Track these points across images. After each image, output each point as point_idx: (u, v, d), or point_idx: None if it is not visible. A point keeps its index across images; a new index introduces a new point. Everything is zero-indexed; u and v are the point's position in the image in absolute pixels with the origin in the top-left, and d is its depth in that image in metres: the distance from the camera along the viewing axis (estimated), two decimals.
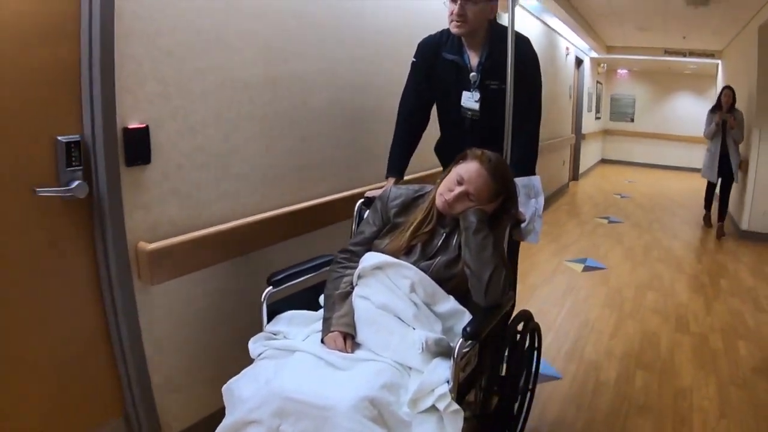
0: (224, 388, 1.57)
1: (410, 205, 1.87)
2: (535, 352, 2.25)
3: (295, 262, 1.95)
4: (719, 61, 9.86)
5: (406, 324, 1.61)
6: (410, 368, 1.54)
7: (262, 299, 1.80)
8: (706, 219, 6.78)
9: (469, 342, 1.47)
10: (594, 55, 10.54)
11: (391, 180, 2.41)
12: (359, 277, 1.76)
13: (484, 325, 1.56)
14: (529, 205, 2.10)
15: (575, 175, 10.27)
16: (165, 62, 1.84)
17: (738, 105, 6.10)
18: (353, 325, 1.65)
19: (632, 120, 13.26)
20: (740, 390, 2.77)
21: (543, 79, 2.39)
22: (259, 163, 2.29)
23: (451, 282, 1.73)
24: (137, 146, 1.80)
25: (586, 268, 4.87)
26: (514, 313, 2.03)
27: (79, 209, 1.74)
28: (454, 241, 1.78)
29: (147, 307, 1.91)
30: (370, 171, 2.94)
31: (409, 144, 2.48)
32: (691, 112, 12.22)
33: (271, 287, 1.81)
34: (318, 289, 1.91)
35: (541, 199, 2.14)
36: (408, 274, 1.68)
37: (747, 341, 3.37)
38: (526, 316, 2.08)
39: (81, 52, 1.66)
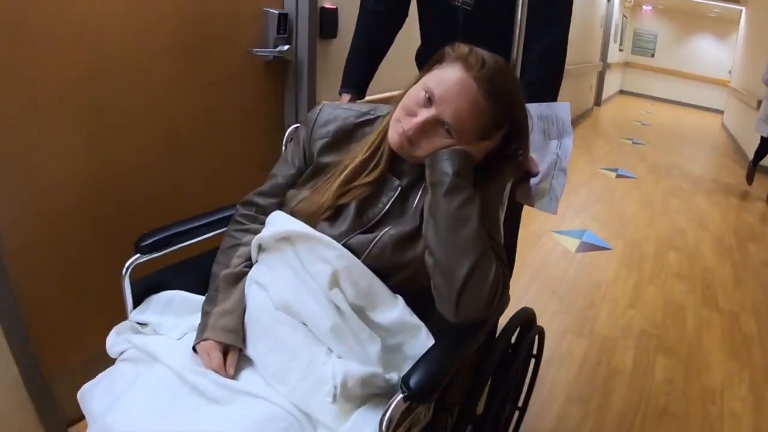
0: (79, 394, 1.07)
1: (348, 137, 1.16)
2: (534, 360, 1.58)
3: None
4: (743, 8, 10.03)
5: (318, 341, 0.99)
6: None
7: (124, 272, 1.14)
8: (750, 175, 5.41)
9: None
10: None
11: (346, 98, 1.74)
12: (260, 249, 1.13)
13: (444, 370, 0.89)
14: (548, 150, 1.35)
15: (598, 101, 10.58)
16: None
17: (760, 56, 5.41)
18: (240, 332, 1.03)
19: (653, 55, 13.76)
20: None
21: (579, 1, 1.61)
22: None
23: (404, 272, 1.05)
24: (329, 23, 2.23)
25: (618, 176, 5.56)
26: (507, 311, 1.20)
27: (281, 70, 2.17)
28: (415, 202, 1.09)
29: None
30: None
31: (375, 48, 1.78)
32: (711, 54, 12.81)
33: (138, 255, 1.16)
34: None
35: (569, 142, 1.34)
36: (328, 256, 1.01)
37: None
38: (527, 319, 1.40)
39: None
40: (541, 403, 1.98)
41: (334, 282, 1.00)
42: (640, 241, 3.75)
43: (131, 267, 1.15)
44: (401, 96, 1.07)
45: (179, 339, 1.09)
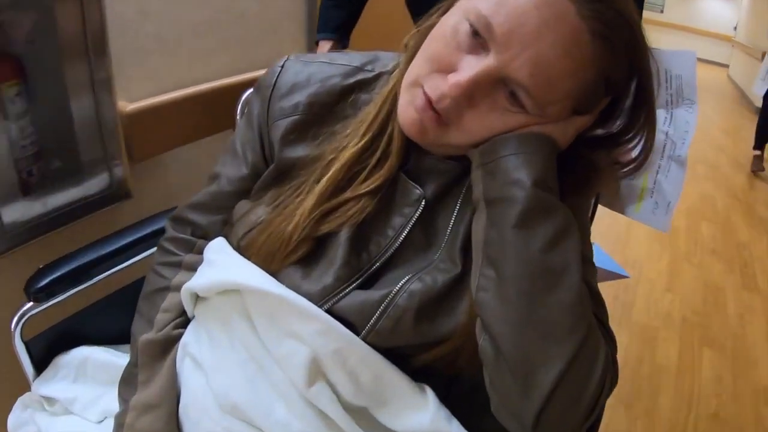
0: None
1: (330, 112, 0.68)
2: None
3: None
4: None
5: None
6: None
7: (12, 327, 0.79)
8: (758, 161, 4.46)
9: None
10: None
11: (325, 46, 1.33)
12: (197, 298, 0.72)
13: None
14: (674, 126, 0.87)
15: None
16: None
17: None
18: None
19: (662, 11, 13.82)
20: None
21: None
22: None
23: (437, 350, 0.62)
24: None
25: None
26: None
27: None
28: (449, 225, 0.65)
29: None
30: None
31: None
32: (716, 11, 13.06)
33: (30, 303, 0.80)
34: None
35: (690, 114, 0.87)
36: (302, 331, 0.60)
37: None
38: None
39: None
40: None
41: (316, 374, 0.60)
42: (656, 329, 3.50)
43: (23, 321, 0.79)
44: (417, 41, 0.61)
45: (99, 422, 0.76)
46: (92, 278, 0.86)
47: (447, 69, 0.56)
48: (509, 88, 0.55)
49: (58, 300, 0.82)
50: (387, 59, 0.71)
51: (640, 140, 0.63)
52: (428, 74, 0.57)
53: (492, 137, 0.58)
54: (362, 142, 0.64)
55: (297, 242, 0.62)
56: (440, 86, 0.55)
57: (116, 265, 0.88)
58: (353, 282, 0.62)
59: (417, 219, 0.64)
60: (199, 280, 0.68)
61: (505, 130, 0.57)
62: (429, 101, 0.56)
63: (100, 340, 0.86)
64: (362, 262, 0.63)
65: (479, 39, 0.54)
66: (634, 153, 0.65)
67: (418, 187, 0.64)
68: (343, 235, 0.62)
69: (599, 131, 0.64)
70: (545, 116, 0.56)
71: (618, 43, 0.55)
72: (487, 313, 0.55)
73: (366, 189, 0.63)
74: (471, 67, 0.54)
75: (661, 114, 0.87)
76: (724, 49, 12.27)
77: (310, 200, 0.63)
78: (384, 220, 0.64)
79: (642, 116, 0.62)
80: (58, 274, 0.82)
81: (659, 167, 0.89)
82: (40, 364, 0.84)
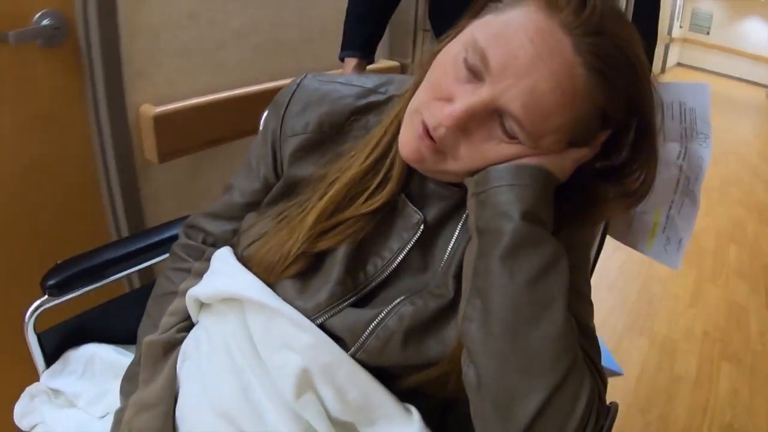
0: None
1: (340, 133, 0.70)
2: None
3: None
4: None
5: None
6: None
7: (26, 319, 0.82)
8: None
9: None
10: None
11: (350, 64, 1.32)
12: (202, 305, 0.74)
13: None
14: (663, 158, 0.83)
15: (663, 69, 11.18)
16: None
17: None
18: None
19: (708, 33, 14.29)
20: None
21: None
22: None
23: (425, 373, 0.64)
24: None
25: None
26: None
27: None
28: (447, 250, 0.66)
29: None
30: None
31: None
32: (759, 34, 13.47)
33: (45, 296, 0.82)
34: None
35: (703, 149, 0.84)
36: (295, 342, 0.62)
37: None
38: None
39: None
40: None
41: (305, 385, 0.61)
42: (698, 232, 3.53)
43: (37, 313, 0.81)
44: (425, 66, 0.62)
45: (102, 417, 0.80)
46: (107, 278, 0.88)
47: (445, 98, 0.57)
48: (504, 119, 0.55)
49: (71, 296, 0.85)
50: (401, 82, 0.72)
51: (642, 174, 0.62)
52: (428, 102, 0.58)
53: (487, 166, 0.58)
54: (365, 163, 0.65)
55: (295, 257, 0.64)
56: (437, 115, 0.56)
57: (131, 267, 0.90)
58: (347, 300, 0.64)
59: (415, 242, 0.65)
60: (202, 288, 0.70)
61: (500, 160, 0.57)
62: (426, 129, 0.57)
63: (111, 339, 0.88)
64: (358, 282, 0.65)
65: (476, 69, 0.55)
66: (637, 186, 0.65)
67: (418, 211, 0.65)
68: (341, 253, 0.64)
69: (603, 163, 0.64)
70: (539, 148, 0.56)
71: (615, 79, 0.54)
72: (471, 343, 0.55)
73: (366, 209, 0.64)
74: (466, 97, 0.55)
75: (675, 148, 0.86)
76: (764, 71, 12.63)
77: (311, 217, 0.64)
78: (383, 242, 0.66)
79: (644, 151, 0.61)
80: (73, 271, 0.84)
81: (672, 202, 0.87)
82: (51, 357, 0.86)
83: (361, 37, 1.33)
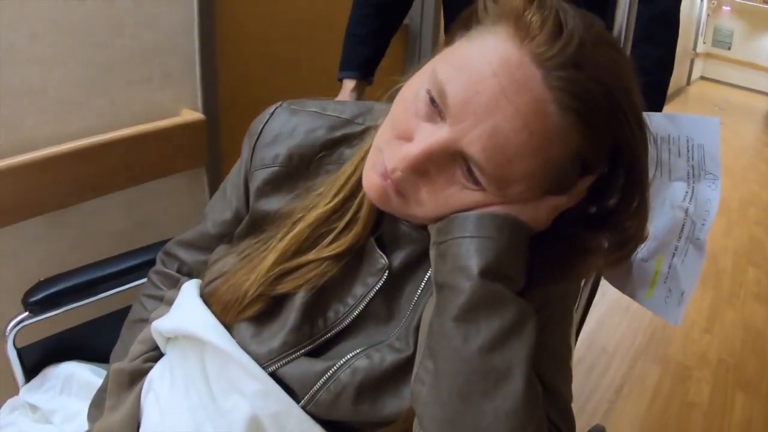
0: None
1: (308, 167, 0.65)
2: None
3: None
4: None
5: None
6: None
7: (7, 332, 0.83)
8: None
9: None
10: None
11: (348, 86, 1.26)
12: (167, 339, 0.70)
13: None
14: (667, 199, 0.79)
15: (688, 81, 11.82)
16: None
17: None
18: None
19: (729, 48, 14.71)
20: None
21: None
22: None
23: (381, 430, 0.59)
24: None
25: None
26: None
27: None
28: (413, 300, 0.60)
29: None
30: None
31: (386, 12, 1.28)
32: None
33: (26, 313, 0.83)
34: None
35: (712, 191, 0.76)
36: (246, 388, 0.59)
37: None
38: None
39: None
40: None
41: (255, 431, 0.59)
42: (716, 252, 3.50)
43: (16, 329, 0.82)
44: (395, 93, 0.57)
45: None
46: (88, 297, 0.87)
47: (404, 136, 0.51)
48: (469, 162, 0.49)
49: (52, 314, 0.84)
50: (381, 111, 0.62)
51: (633, 224, 0.55)
52: (389, 141, 0.52)
53: (451, 213, 0.52)
54: (332, 203, 0.60)
55: (251, 299, 0.60)
56: (393, 157, 0.51)
57: (114, 288, 0.89)
58: (301, 348, 0.60)
59: (379, 290, 0.60)
60: (164, 323, 0.67)
61: (464, 207, 0.51)
62: (386, 172, 0.52)
63: (93, 357, 0.88)
64: (316, 329, 0.60)
65: (436, 107, 0.49)
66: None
67: (383, 256, 0.60)
68: (299, 299, 0.59)
69: (589, 209, 0.57)
70: (507, 196, 0.50)
71: (594, 120, 0.47)
72: (420, 408, 0.50)
73: (330, 253, 0.59)
74: (424, 138, 0.49)
75: (681, 187, 0.78)
76: None
77: (270, 258, 0.60)
78: (347, 287, 0.61)
79: (635, 198, 0.54)
80: (55, 289, 0.83)
81: (676, 249, 0.78)
82: (31, 372, 0.86)
83: (361, 56, 1.27)
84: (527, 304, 0.50)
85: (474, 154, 0.47)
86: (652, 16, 0.99)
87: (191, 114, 1.28)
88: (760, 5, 12.64)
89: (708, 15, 13.95)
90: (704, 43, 13.91)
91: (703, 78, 14.42)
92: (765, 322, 2.73)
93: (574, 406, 0.60)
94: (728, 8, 14.99)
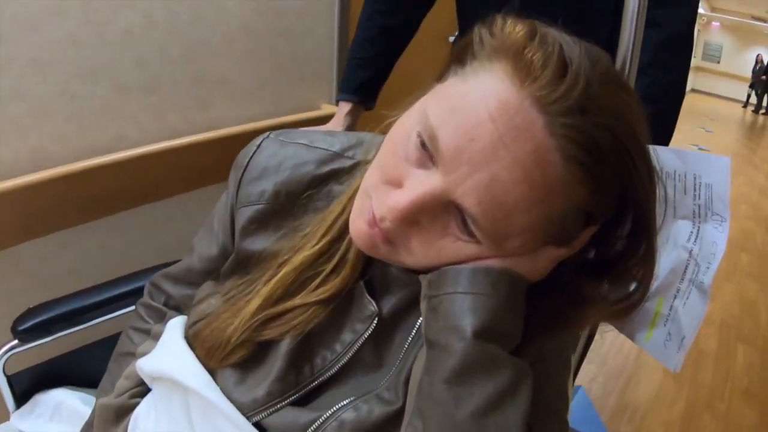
0: None
1: (294, 204, 0.61)
2: None
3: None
4: None
5: None
6: None
7: None
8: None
9: None
10: (701, 10, 12.90)
11: (344, 109, 1.23)
12: (152, 378, 0.67)
13: None
14: (671, 239, 0.78)
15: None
16: None
17: None
18: None
19: (718, 62, 15.58)
20: None
21: None
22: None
23: None
24: None
25: (699, 149, 6.14)
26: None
27: None
28: (404, 348, 0.56)
29: None
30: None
31: (390, 36, 1.23)
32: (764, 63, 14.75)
33: (15, 341, 0.82)
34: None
35: (719, 233, 0.75)
36: None
37: None
38: None
39: None
40: (639, 376, 2.30)
41: None
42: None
43: (6, 357, 0.81)
44: (386, 128, 0.53)
45: None
46: (78, 325, 0.84)
47: (393, 182, 0.47)
48: (460, 214, 0.45)
49: (42, 342, 0.82)
50: (371, 144, 0.60)
51: (638, 274, 0.51)
52: (377, 185, 0.49)
53: (444, 265, 0.49)
54: (319, 245, 0.56)
55: (235, 345, 0.56)
56: (382, 204, 0.47)
57: (103, 315, 0.87)
58: (287, 398, 0.56)
59: (368, 337, 0.56)
60: (147, 362, 0.64)
61: (458, 260, 0.48)
62: (374, 220, 0.48)
63: (84, 383, 0.86)
64: (303, 377, 0.56)
65: (427, 152, 0.45)
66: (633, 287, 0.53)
67: (372, 302, 0.56)
68: (284, 347, 0.56)
69: (591, 257, 0.54)
70: (503, 250, 0.46)
71: (600, 170, 0.43)
72: None
73: (317, 298, 0.55)
74: (415, 186, 0.45)
75: (686, 227, 0.75)
76: None
77: (255, 302, 0.56)
78: (335, 334, 0.57)
79: (642, 245, 0.50)
80: (44, 317, 0.80)
81: (678, 291, 0.75)
82: (21, 398, 0.84)
83: (359, 79, 1.21)
84: (523, 363, 0.47)
85: (469, 207, 0.44)
86: (661, 40, 0.94)
87: (329, 108, 1.54)
88: (748, 21, 13.40)
89: (698, 30, 14.61)
90: (695, 57, 14.49)
91: (694, 90, 14.97)
92: (757, 294, 3.20)
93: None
94: (717, 24, 15.75)
